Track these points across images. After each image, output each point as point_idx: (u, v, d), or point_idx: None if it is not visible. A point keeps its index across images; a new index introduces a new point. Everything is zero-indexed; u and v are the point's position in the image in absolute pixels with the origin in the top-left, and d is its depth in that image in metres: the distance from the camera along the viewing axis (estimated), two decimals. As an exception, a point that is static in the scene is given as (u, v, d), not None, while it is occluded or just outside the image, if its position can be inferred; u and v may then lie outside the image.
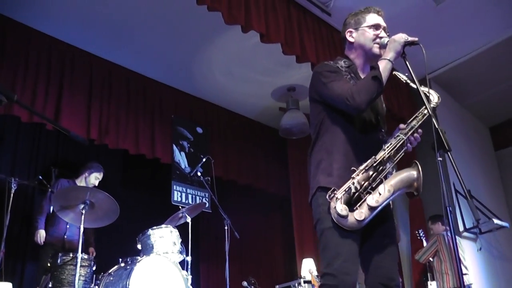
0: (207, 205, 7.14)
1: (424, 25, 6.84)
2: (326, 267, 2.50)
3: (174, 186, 7.11)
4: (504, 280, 8.04)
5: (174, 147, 7.36)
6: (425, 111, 2.84)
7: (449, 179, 7.49)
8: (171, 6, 5.90)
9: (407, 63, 2.86)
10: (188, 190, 7.22)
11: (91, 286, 4.85)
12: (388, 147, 2.66)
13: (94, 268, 5.05)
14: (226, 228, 6.05)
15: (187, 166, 7.37)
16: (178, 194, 7.11)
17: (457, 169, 2.52)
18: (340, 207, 2.46)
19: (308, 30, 6.19)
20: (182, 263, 5.36)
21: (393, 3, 6.36)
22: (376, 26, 2.93)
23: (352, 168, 2.58)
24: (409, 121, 2.86)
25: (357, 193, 2.53)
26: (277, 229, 8.88)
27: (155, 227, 5.19)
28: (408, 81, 3.00)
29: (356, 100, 2.59)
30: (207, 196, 7.41)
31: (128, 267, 4.53)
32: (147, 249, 5.03)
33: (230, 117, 8.28)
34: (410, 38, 2.75)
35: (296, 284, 6.13)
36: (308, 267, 6.53)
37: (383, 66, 2.69)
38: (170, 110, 7.55)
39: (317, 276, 6.21)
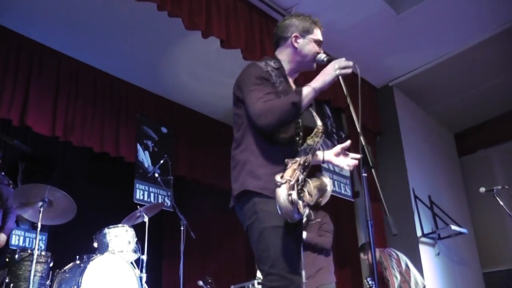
0: (168, 204, 7.41)
1: (386, 33, 7.20)
2: (271, 267, 2.52)
3: (137, 185, 7.38)
4: (463, 285, 8.43)
5: (138, 146, 7.65)
6: (320, 129, 2.92)
7: (408, 184, 7.87)
8: (136, 9, 6.15)
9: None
10: (150, 188, 7.49)
11: (47, 282, 5.15)
12: (310, 151, 2.75)
13: (51, 265, 5.35)
14: (182, 228, 6.32)
15: (150, 165, 7.65)
16: (141, 193, 7.39)
17: (378, 186, 2.68)
18: (295, 196, 2.46)
19: (270, 35, 6.49)
20: (138, 262, 5.68)
21: (354, 12, 6.74)
22: (319, 43, 3.03)
23: (287, 160, 2.63)
24: (311, 136, 2.90)
25: (299, 186, 2.58)
26: (240, 229, 9.15)
27: (111, 226, 5.50)
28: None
29: (266, 120, 2.62)
30: (169, 195, 7.70)
31: (82, 264, 4.83)
32: (103, 247, 5.34)
33: (196, 117, 8.58)
34: (344, 70, 2.73)
35: (250, 285, 6.37)
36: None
37: (306, 93, 2.64)
38: (136, 109, 7.84)
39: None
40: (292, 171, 2.55)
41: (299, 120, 2.87)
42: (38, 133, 6.55)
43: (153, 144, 7.89)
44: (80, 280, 4.58)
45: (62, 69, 6.96)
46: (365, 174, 2.64)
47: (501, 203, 6.08)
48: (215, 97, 8.11)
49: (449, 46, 7.72)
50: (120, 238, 5.44)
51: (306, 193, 2.59)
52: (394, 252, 6.76)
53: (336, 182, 7.42)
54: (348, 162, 2.93)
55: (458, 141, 10.45)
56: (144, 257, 5.74)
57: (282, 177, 2.49)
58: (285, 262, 2.53)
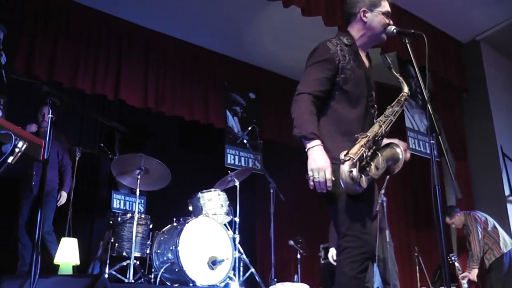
0: (258, 167, 7.70)
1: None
2: (347, 229, 2.71)
3: (228, 150, 7.75)
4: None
5: (227, 112, 7.99)
6: (404, 96, 3.04)
7: (495, 141, 7.74)
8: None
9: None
10: (240, 153, 7.83)
11: (147, 242, 5.62)
12: (384, 123, 2.88)
13: (150, 226, 5.81)
14: (271, 191, 6.60)
15: (239, 130, 7.98)
16: (231, 157, 7.74)
17: (444, 151, 2.82)
18: (356, 173, 2.60)
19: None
20: (232, 224, 6.04)
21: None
22: (388, 14, 3.09)
23: (356, 135, 2.76)
24: (392, 105, 3.00)
25: (364, 162, 2.74)
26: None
27: (204, 191, 5.87)
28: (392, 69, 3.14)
29: (293, 107, 2.84)
30: (259, 158, 7.99)
31: (179, 227, 5.22)
32: (197, 211, 5.72)
33: (282, 81, 8.71)
34: (317, 177, 2.68)
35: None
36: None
37: (299, 134, 2.74)
38: (223, 77, 8.16)
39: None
40: (359, 147, 2.70)
41: (372, 92, 3.03)
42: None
43: (241, 110, 8.19)
44: (177, 241, 4.97)
45: (150, 44, 7.40)
46: (433, 141, 2.80)
47: None
48: (299, 61, 8.09)
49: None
50: (213, 202, 5.80)
51: (373, 167, 2.75)
52: (481, 214, 6.79)
53: (421, 142, 7.44)
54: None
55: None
56: (237, 219, 6.09)
57: (346, 154, 2.64)
58: (360, 224, 2.71)
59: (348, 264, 2.69)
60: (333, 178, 2.69)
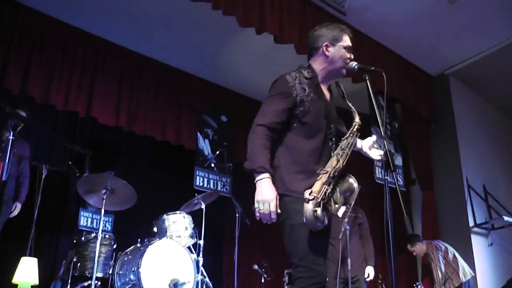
0: (227, 190, 7.76)
1: (439, 23, 7.32)
2: (300, 260, 2.78)
3: (197, 172, 7.79)
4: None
5: (199, 134, 8.05)
6: (355, 129, 3.12)
7: (461, 173, 7.97)
8: (196, 4, 6.42)
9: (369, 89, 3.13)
10: (210, 175, 7.87)
11: (110, 263, 5.63)
12: (341, 157, 2.95)
13: (114, 246, 5.83)
14: (237, 215, 6.67)
15: (210, 153, 8.04)
16: (200, 179, 7.79)
17: (397, 187, 2.92)
18: (320, 213, 2.71)
19: (324, 29, 6.71)
20: (196, 246, 6.08)
21: (407, 3, 6.89)
22: (349, 48, 3.19)
23: (318, 172, 2.85)
24: (346, 136, 3.09)
25: (326, 200, 2.81)
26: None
27: (170, 213, 5.94)
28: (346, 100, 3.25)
29: (249, 137, 2.94)
30: (228, 182, 8.06)
31: (142, 248, 5.26)
32: (162, 232, 5.77)
33: (254, 105, 8.63)
34: (261, 210, 2.78)
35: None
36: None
37: (250, 167, 2.85)
38: (196, 99, 8.23)
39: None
40: (321, 185, 2.79)
41: (331, 125, 3.11)
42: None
43: (213, 133, 8.27)
44: (140, 262, 5.00)
45: (125, 63, 7.45)
46: (388, 177, 2.89)
47: None
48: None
49: (506, 33, 7.66)
50: (178, 224, 5.86)
51: (332, 203, 2.85)
52: (442, 244, 6.93)
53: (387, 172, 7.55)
54: (378, 153, 3.19)
55: (519, 128, 10.33)
56: (201, 241, 6.11)
57: (310, 193, 2.74)
58: (313, 255, 2.78)
59: None
60: (279, 210, 2.81)
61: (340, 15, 6.98)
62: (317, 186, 2.79)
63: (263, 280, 6.95)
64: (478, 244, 7.78)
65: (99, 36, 7.26)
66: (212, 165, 7.26)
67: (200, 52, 7.81)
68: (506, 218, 7.79)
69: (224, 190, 7.72)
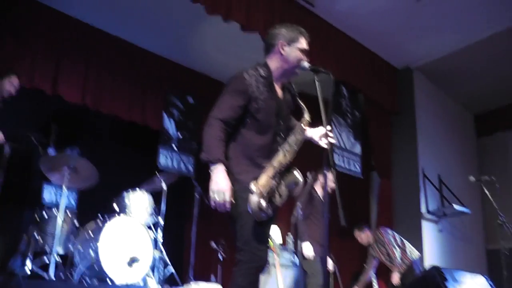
0: (191, 170, 7.97)
1: (406, 18, 7.53)
2: (244, 244, 3.03)
3: (161, 151, 8.00)
4: (464, 261, 8.90)
5: (164, 114, 8.24)
6: (304, 123, 3.35)
7: (417, 163, 8.36)
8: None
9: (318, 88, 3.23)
10: (174, 155, 8.07)
11: (71, 239, 5.72)
12: (288, 152, 3.21)
13: (76, 223, 5.93)
14: (196, 196, 6.90)
15: (175, 133, 8.24)
16: (164, 158, 7.99)
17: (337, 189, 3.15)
18: (264, 205, 2.98)
19: (291, 20, 6.83)
20: (156, 224, 6.31)
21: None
22: (304, 52, 3.38)
23: (264, 164, 3.11)
24: (294, 132, 3.30)
25: (270, 192, 3.09)
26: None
27: (130, 191, 6.14)
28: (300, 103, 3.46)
29: (204, 130, 3.16)
30: (192, 161, 8.27)
31: (101, 225, 5.42)
32: (122, 210, 5.97)
33: (221, 88, 8.90)
34: (216, 199, 2.97)
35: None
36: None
37: (206, 159, 3.05)
38: (164, 80, 8.39)
39: (281, 245, 7.07)
40: (266, 178, 3.05)
41: (281, 123, 3.34)
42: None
43: (179, 113, 8.45)
44: (98, 239, 5.18)
45: (93, 43, 7.53)
46: (326, 172, 3.10)
47: (487, 192, 6.43)
48: (239, 69, 8.44)
49: (472, 33, 7.93)
50: (138, 202, 6.07)
51: (277, 196, 3.12)
52: (389, 229, 7.28)
53: (346, 159, 7.87)
54: (325, 141, 3.26)
55: (477, 122, 10.73)
56: (161, 220, 6.33)
57: (256, 185, 2.98)
58: (255, 241, 3.04)
59: (241, 276, 3.02)
60: (233, 201, 3.02)
61: (308, 6, 7.16)
62: (262, 179, 3.05)
63: (220, 258, 7.19)
64: (429, 230, 8.17)
65: (67, 14, 7.29)
66: (174, 146, 7.45)
67: (169, 34, 7.92)
68: (456, 206, 8.17)
69: (187, 170, 7.92)
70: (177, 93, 8.53)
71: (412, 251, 7.04)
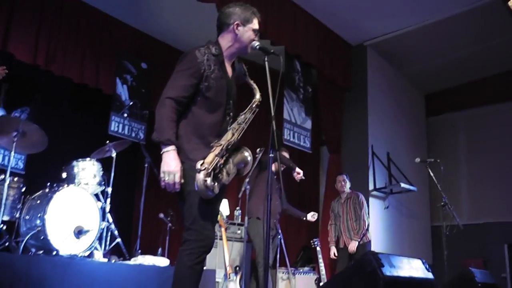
0: (141, 137, 7.92)
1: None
2: (191, 223, 3.06)
3: (113, 117, 7.90)
4: (408, 236, 9.22)
5: (117, 79, 8.12)
6: (255, 105, 3.37)
7: (368, 140, 8.57)
8: None
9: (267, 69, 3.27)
10: (125, 121, 7.98)
11: (18, 206, 5.66)
12: (237, 131, 3.25)
13: (23, 190, 5.83)
14: (146, 165, 6.88)
15: (127, 99, 8.14)
16: (116, 125, 7.89)
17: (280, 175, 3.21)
18: (210, 182, 2.97)
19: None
20: (104, 194, 6.27)
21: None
22: (256, 32, 3.41)
23: (212, 144, 3.12)
24: (244, 111, 3.35)
25: (217, 170, 3.11)
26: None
27: (80, 160, 6.04)
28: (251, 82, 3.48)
29: (158, 107, 3.12)
30: (143, 129, 8.21)
31: (49, 194, 5.34)
32: (70, 179, 5.89)
33: (176, 55, 8.60)
34: (167, 179, 2.99)
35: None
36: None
37: (158, 139, 3.03)
38: (118, 43, 8.25)
39: (226, 218, 7.15)
40: (213, 156, 3.06)
41: (231, 101, 3.37)
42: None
43: (132, 79, 8.34)
44: (46, 209, 5.11)
45: (47, 1, 7.29)
46: (272, 155, 3.22)
47: (432, 174, 6.63)
48: (196, 37, 8.25)
49: (427, 14, 8.15)
50: (87, 171, 5.99)
51: (225, 174, 3.14)
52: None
53: (296, 134, 7.95)
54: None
55: (428, 102, 11.03)
56: (109, 189, 6.29)
57: (202, 163, 2.99)
58: (203, 221, 3.08)
59: (187, 255, 3.05)
60: (183, 180, 3.05)
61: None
62: (209, 157, 3.05)
63: (168, 229, 7.23)
64: (375, 206, 8.44)
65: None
66: (126, 113, 7.39)
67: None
68: (403, 184, 8.41)
69: (138, 137, 7.86)
70: (130, 58, 8.40)
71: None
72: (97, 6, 7.99)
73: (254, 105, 3.38)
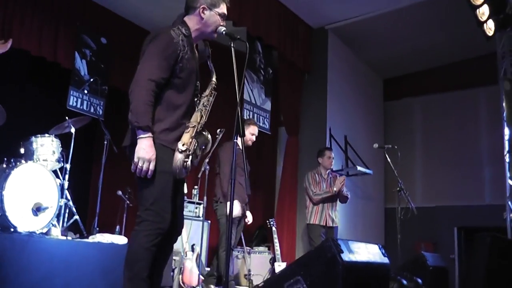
0: (100, 113, 7.92)
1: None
2: (151, 204, 3.09)
3: (71, 92, 7.85)
4: (363, 218, 9.53)
5: (76, 54, 8.07)
6: (213, 84, 3.46)
7: (326, 123, 8.79)
8: None
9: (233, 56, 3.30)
10: (84, 97, 7.96)
11: None
12: (204, 113, 3.35)
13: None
14: (105, 143, 6.89)
15: (86, 73, 8.11)
16: (74, 100, 7.86)
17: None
18: (189, 163, 3.11)
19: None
20: (63, 170, 6.30)
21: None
22: (224, 16, 3.45)
23: (187, 125, 3.22)
24: (206, 94, 3.42)
25: (192, 151, 3.19)
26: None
27: (38, 136, 6.02)
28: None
29: (131, 92, 3.12)
30: (101, 104, 8.21)
31: (7, 170, 5.32)
32: (29, 155, 5.88)
33: (136, 31, 8.82)
34: (144, 165, 3.03)
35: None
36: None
37: (136, 123, 3.04)
38: (77, 17, 8.15)
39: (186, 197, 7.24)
40: (189, 137, 3.17)
41: (197, 82, 3.44)
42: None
43: (91, 53, 8.30)
44: (4, 185, 5.10)
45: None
46: (236, 140, 3.30)
47: (389, 159, 6.86)
48: (158, 15, 8.28)
49: (388, 2, 8.36)
50: (45, 147, 5.98)
51: (195, 155, 3.24)
52: None
53: (256, 115, 8.09)
54: None
55: (386, 87, 11.33)
56: (68, 165, 6.34)
57: (183, 144, 3.11)
58: (163, 202, 3.14)
59: (145, 236, 3.09)
60: (160, 156, 3.11)
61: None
62: (186, 138, 3.16)
63: (125, 206, 7.30)
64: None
65: None
66: (86, 91, 7.40)
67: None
68: (359, 167, 8.66)
69: (97, 113, 7.85)
70: (90, 32, 8.35)
71: None
72: (57, -22, 7.87)
73: (211, 88, 3.46)
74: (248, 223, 6.62)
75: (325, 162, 7.49)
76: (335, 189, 7.14)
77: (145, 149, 3.04)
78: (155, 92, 3.12)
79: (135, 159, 3.04)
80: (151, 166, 3.05)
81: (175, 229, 3.37)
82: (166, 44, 3.21)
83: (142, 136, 3.06)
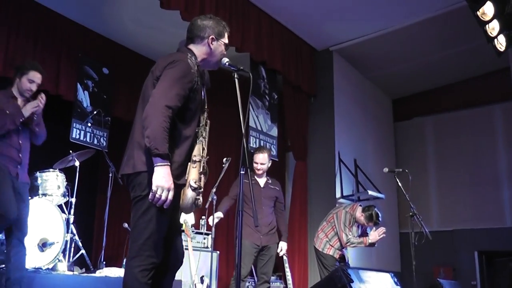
0: (104, 144, 8.11)
1: (329, 0, 7.98)
2: (148, 238, 3.09)
3: (74, 124, 8.07)
4: (377, 243, 9.54)
5: (78, 85, 8.30)
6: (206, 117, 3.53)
7: (334, 147, 8.89)
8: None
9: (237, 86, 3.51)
10: (87, 129, 8.18)
11: None
12: (205, 145, 3.41)
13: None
14: (110, 175, 7.11)
15: (89, 105, 8.34)
16: (77, 132, 8.08)
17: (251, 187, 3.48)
18: (200, 201, 3.20)
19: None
20: (68, 204, 6.49)
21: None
22: (227, 46, 3.58)
23: (193, 159, 3.25)
24: (204, 124, 3.48)
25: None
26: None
27: (44, 170, 6.26)
28: None
29: (147, 122, 3.05)
30: (105, 135, 8.42)
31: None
32: (34, 190, 6.08)
33: (137, 59, 9.18)
34: (160, 199, 3.06)
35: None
36: (183, 218, 7.54)
37: (155, 152, 3.01)
38: (78, 48, 8.41)
39: (192, 226, 7.39)
40: (198, 174, 3.26)
41: (205, 115, 3.52)
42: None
43: (93, 84, 8.54)
44: (9, 221, 5.32)
45: (3, 3, 7.39)
46: (243, 172, 3.44)
47: (399, 184, 6.92)
48: (157, 42, 8.64)
49: (393, 20, 8.55)
50: (50, 182, 6.22)
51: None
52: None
53: (262, 142, 8.24)
54: None
55: (395, 107, 11.49)
56: (73, 199, 6.54)
57: (196, 182, 3.19)
58: (158, 236, 3.15)
59: (140, 271, 3.11)
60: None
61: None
62: (195, 174, 3.23)
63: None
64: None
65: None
66: (89, 124, 7.60)
67: (86, 1, 7.95)
68: (370, 192, 8.77)
69: (101, 144, 8.07)
70: (92, 62, 8.59)
71: None
72: (57, 10, 8.14)
73: (206, 117, 3.54)
74: (280, 254, 6.57)
75: (360, 219, 7.10)
76: (370, 241, 6.81)
77: (164, 177, 3.04)
78: (171, 119, 3.12)
79: (154, 188, 3.02)
80: (170, 196, 3.07)
81: (172, 262, 3.44)
82: (184, 72, 3.26)
83: (160, 164, 3.05)
